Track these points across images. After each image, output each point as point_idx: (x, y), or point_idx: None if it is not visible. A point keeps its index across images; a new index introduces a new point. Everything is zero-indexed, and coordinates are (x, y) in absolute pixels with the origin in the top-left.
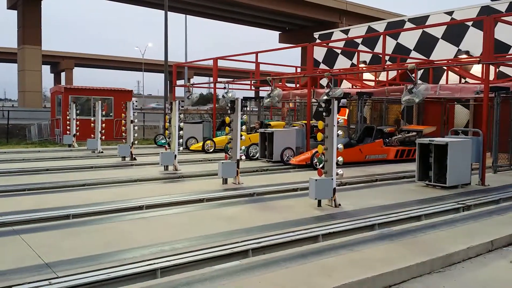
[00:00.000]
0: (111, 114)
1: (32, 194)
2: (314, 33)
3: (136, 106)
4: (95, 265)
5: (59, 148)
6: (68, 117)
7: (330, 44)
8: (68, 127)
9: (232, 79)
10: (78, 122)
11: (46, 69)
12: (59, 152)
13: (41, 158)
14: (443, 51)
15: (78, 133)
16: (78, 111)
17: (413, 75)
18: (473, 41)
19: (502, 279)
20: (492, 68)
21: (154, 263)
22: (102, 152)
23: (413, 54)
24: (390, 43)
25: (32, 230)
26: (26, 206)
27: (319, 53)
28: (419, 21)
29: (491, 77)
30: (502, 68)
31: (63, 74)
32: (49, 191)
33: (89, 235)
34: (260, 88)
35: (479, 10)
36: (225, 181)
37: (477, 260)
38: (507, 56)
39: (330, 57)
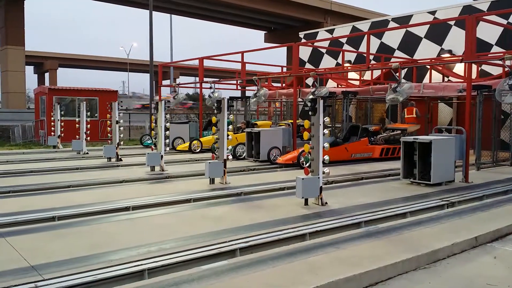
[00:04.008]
0: (96, 114)
1: (17, 196)
2: (300, 33)
3: (122, 106)
4: (81, 267)
5: (44, 149)
6: (52, 118)
7: (315, 44)
8: (52, 128)
9: (218, 79)
10: (62, 123)
11: (29, 69)
12: (44, 153)
13: (25, 160)
14: (426, 50)
15: (62, 134)
16: (62, 112)
17: (397, 74)
18: (456, 40)
19: (487, 274)
20: (474, 66)
21: (142, 264)
22: (87, 153)
23: (397, 53)
24: (374, 43)
25: (17, 233)
26: (11, 208)
27: (304, 52)
28: (403, 21)
29: (474, 75)
30: (484, 67)
31: (47, 75)
32: (34, 193)
33: (75, 237)
34: (247, 88)
35: (461, 9)
36: (212, 181)
37: (462, 256)
38: (489, 55)
39: (316, 57)
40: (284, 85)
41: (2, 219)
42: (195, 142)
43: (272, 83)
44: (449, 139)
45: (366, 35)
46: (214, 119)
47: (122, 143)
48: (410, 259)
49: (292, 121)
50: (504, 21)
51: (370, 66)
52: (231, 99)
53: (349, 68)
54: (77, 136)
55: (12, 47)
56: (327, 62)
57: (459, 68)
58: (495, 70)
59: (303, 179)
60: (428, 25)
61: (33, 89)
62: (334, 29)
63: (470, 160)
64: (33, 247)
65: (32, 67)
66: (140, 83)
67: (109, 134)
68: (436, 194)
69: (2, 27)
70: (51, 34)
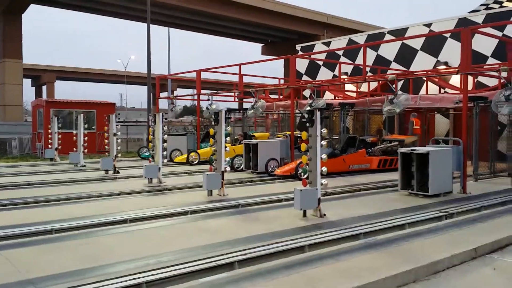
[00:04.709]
0: (93, 127)
1: (13, 209)
2: (296, 45)
3: (119, 119)
4: (79, 280)
5: (41, 162)
6: (49, 130)
7: (312, 56)
8: (50, 140)
9: (215, 91)
10: (60, 136)
11: (27, 82)
12: (41, 166)
13: (22, 173)
14: (422, 62)
15: (60, 147)
16: (60, 125)
17: (394, 86)
18: (452, 52)
19: (486, 286)
20: (470, 78)
21: (139, 277)
22: (84, 165)
23: (393, 65)
24: (371, 55)
25: (14, 246)
26: (8, 221)
27: (301, 65)
28: (399, 33)
29: (470, 87)
30: (480, 78)
31: (44, 88)
32: (31, 206)
33: (72, 250)
34: (244, 100)
35: (456, 22)
36: (210, 193)
37: (461, 268)
38: (484, 67)
39: (313, 69)
40: (281, 97)
41: None
42: (192, 154)
43: (270, 95)
44: (447, 150)
45: (362, 48)
46: (211, 131)
47: (119, 155)
48: (409, 271)
49: (289, 132)
50: (499, 33)
51: (366, 78)
52: (229, 111)
53: (346, 80)
54: (74, 149)
55: (10, 60)
56: (324, 74)
57: (455, 80)
58: (491, 82)
59: (301, 190)
60: (424, 38)
61: (31, 101)
62: (330, 41)
63: (468, 171)
64: (29, 260)
65: (29, 79)
66: (137, 95)
67: (106, 147)
68: (434, 206)
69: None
70: (49, 47)
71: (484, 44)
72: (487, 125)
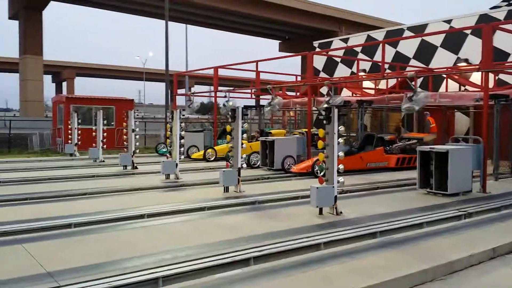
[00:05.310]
0: (112, 123)
1: (34, 203)
2: (314, 42)
3: (138, 115)
4: (97, 274)
5: (61, 157)
6: (69, 126)
7: (330, 53)
8: (69, 136)
9: (232, 88)
10: (79, 131)
11: (47, 78)
12: (61, 161)
13: (42, 168)
14: (442, 59)
15: (79, 142)
16: (79, 120)
17: (413, 83)
18: (472, 49)
19: (505, 286)
20: (491, 75)
21: (156, 272)
22: (103, 161)
23: (413, 62)
24: (390, 52)
25: (34, 239)
26: (28, 215)
27: (319, 61)
28: (418, 30)
29: (491, 84)
30: (502, 76)
31: (64, 84)
32: (51, 200)
33: (90, 244)
34: (261, 97)
35: (477, 18)
36: (226, 189)
37: (479, 268)
38: (506, 64)
39: (330, 66)
40: (298, 94)
41: (20, 225)
42: (209, 150)
43: (287, 92)
44: (466, 149)
45: (381, 44)
46: (228, 127)
47: (137, 151)
48: (427, 270)
49: (306, 130)
50: None
51: (385, 75)
52: (246, 107)
53: (364, 77)
54: (93, 144)
55: (31, 57)
56: (342, 71)
57: (475, 77)
58: None
59: (317, 188)
60: (444, 34)
61: (51, 97)
62: (348, 38)
63: (488, 170)
64: (49, 253)
65: (50, 76)
66: (155, 92)
67: (125, 142)
68: (453, 205)
69: (21, 37)
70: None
71: (505, 41)
72: (508, 123)
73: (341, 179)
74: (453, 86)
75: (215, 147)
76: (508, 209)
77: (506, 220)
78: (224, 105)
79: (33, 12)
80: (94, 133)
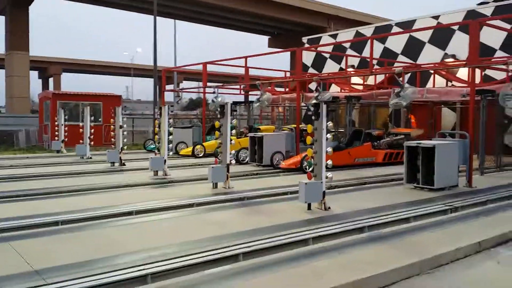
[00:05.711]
0: (99, 119)
1: (20, 200)
2: (303, 38)
3: (126, 111)
4: (85, 272)
5: (48, 154)
6: (56, 122)
7: (319, 49)
8: (56, 132)
9: (221, 84)
10: (66, 128)
11: (34, 74)
12: (48, 158)
13: (29, 164)
14: (429, 55)
15: (66, 139)
16: (66, 117)
17: (401, 78)
18: (459, 45)
19: (490, 279)
20: (478, 71)
21: (145, 269)
22: (91, 158)
23: (400, 58)
24: (378, 47)
25: (21, 237)
26: (15, 212)
27: (307, 57)
28: (406, 26)
29: (477, 80)
30: (488, 72)
31: (51, 80)
32: (38, 198)
33: (78, 242)
34: (250, 93)
35: (465, 14)
36: (215, 185)
37: (465, 261)
38: (492, 60)
39: (319, 62)
40: (287, 89)
41: (6, 223)
42: (198, 146)
43: (275, 88)
44: (453, 144)
45: (369, 40)
46: (217, 123)
47: (125, 147)
48: (414, 264)
49: (295, 125)
50: (508, 26)
51: (373, 70)
52: (235, 103)
53: (352, 72)
54: (81, 141)
55: (17, 52)
56: (330, 66)
57: (462, 73)
58: (499, 75)
59: (306, 183)
60: (432, 30)
61: (37, 94)
62: (337, 34)
63: (474, 165)
64: (36, 251)
65: (36, 72)
66: (143, 88)
67: (112, 139)
68: (439, 199)
69: (7, 32)
70: (55, 39)
71: (492, 36)
72: (494, 118)
73: (329, 174)
74: (440, 81)
75: (204, 143)
76: (493, 203)
77: (491, 214)
78: (213, 101)
79: (19, 7)
80: (81, 130)
